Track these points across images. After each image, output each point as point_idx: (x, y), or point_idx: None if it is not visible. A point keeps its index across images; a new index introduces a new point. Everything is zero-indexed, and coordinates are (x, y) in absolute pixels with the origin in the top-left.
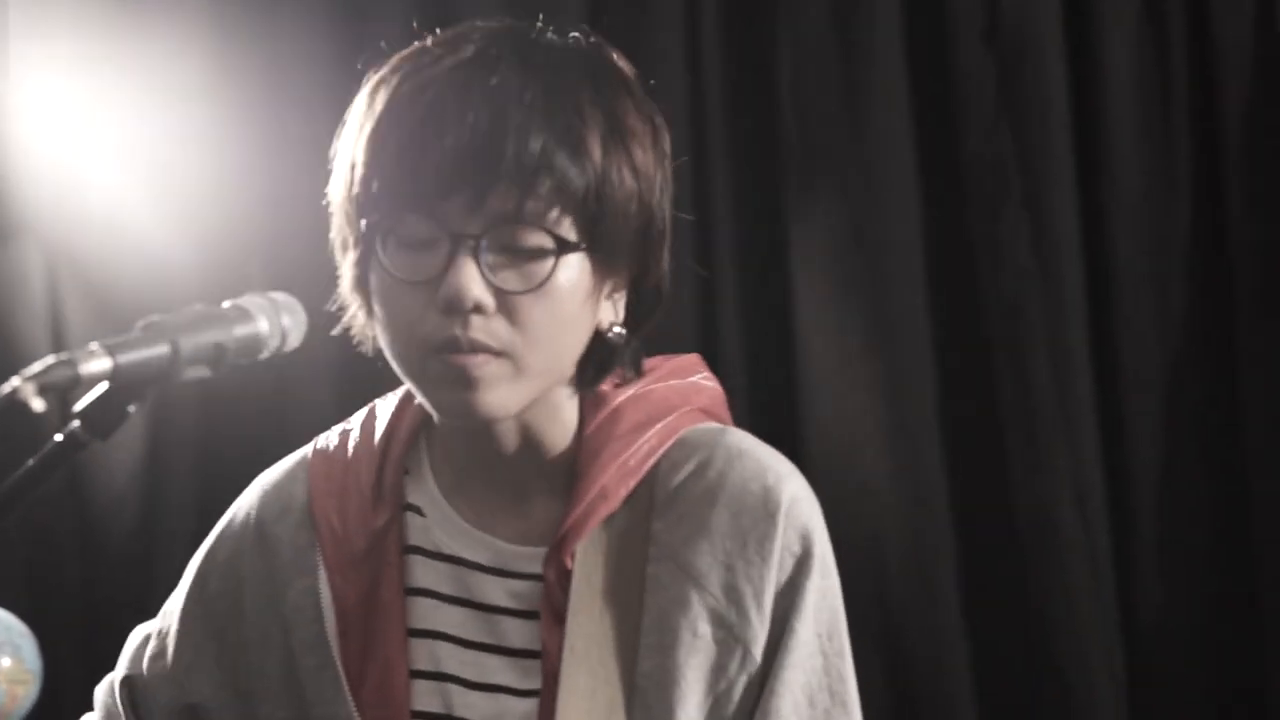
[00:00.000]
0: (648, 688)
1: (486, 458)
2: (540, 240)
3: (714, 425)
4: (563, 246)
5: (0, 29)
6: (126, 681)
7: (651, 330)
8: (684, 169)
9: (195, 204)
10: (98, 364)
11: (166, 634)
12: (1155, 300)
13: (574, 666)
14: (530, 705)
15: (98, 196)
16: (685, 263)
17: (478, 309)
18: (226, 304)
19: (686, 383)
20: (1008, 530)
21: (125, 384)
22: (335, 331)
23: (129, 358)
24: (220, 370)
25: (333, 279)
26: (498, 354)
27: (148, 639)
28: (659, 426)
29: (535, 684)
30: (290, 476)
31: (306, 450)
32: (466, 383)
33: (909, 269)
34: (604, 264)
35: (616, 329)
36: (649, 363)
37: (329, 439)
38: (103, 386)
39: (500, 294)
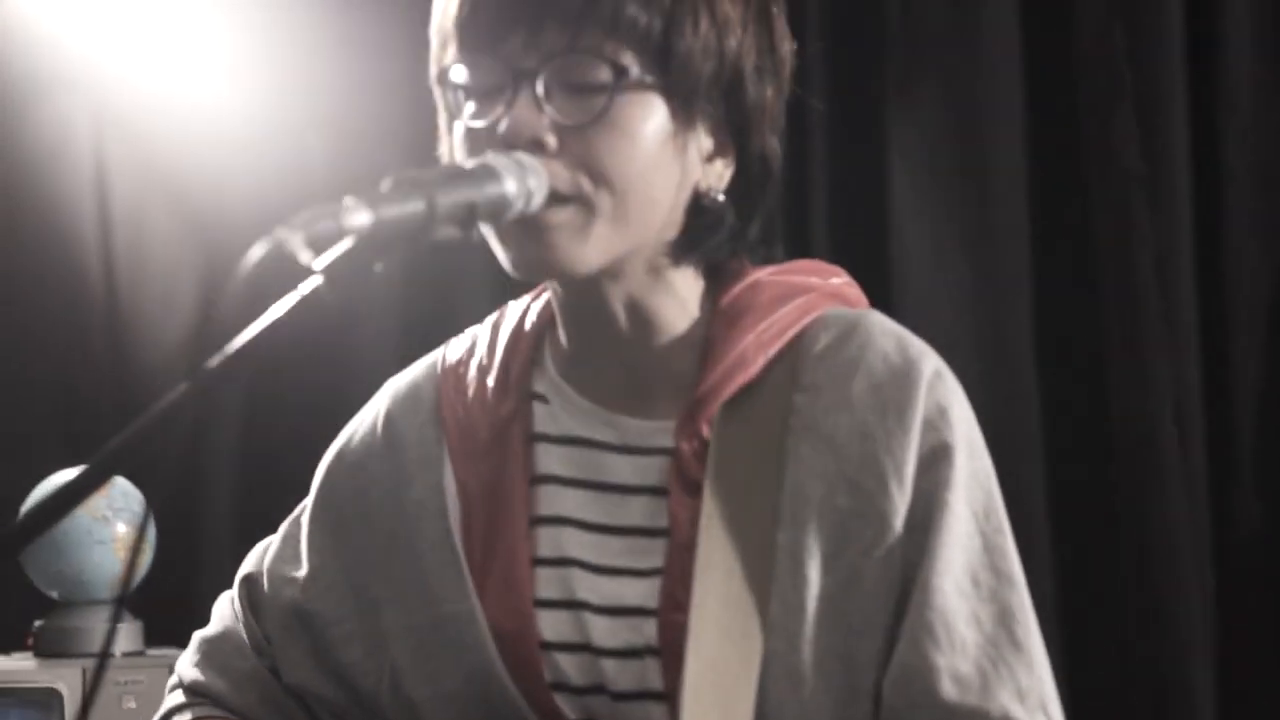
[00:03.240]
0: (784, 560)
1: (605, 338)
2: (599, 71)
3: (856, 309)
4: (621, 75)
5: None
6: (246, 580)
7: (758, 211)
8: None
9: (250, 64)
10: (359, 217)
11: (294, 537)
12: (1265, 212)
13: (711, 539)
14: (650, 585)
15: (146, 50)
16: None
17: (537, 145)
18: (471, 163)
19: (827, 278)
20: (1102, 443)
21: (377, 241)
22: None
23: (389, 213)
24: (468, 233)
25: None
26: (565, 199)
27: (270, 544)
28: (799, 301)
29: (656, 563)
30: (420, 377)
31: (438, 353)
32: (534, 233)
33: (1012, 168)
34: (682, 111)
35: (715, 194)
36: (798, 262)
37: (460, 340)
38: (346, 242)
39: (561, 130)
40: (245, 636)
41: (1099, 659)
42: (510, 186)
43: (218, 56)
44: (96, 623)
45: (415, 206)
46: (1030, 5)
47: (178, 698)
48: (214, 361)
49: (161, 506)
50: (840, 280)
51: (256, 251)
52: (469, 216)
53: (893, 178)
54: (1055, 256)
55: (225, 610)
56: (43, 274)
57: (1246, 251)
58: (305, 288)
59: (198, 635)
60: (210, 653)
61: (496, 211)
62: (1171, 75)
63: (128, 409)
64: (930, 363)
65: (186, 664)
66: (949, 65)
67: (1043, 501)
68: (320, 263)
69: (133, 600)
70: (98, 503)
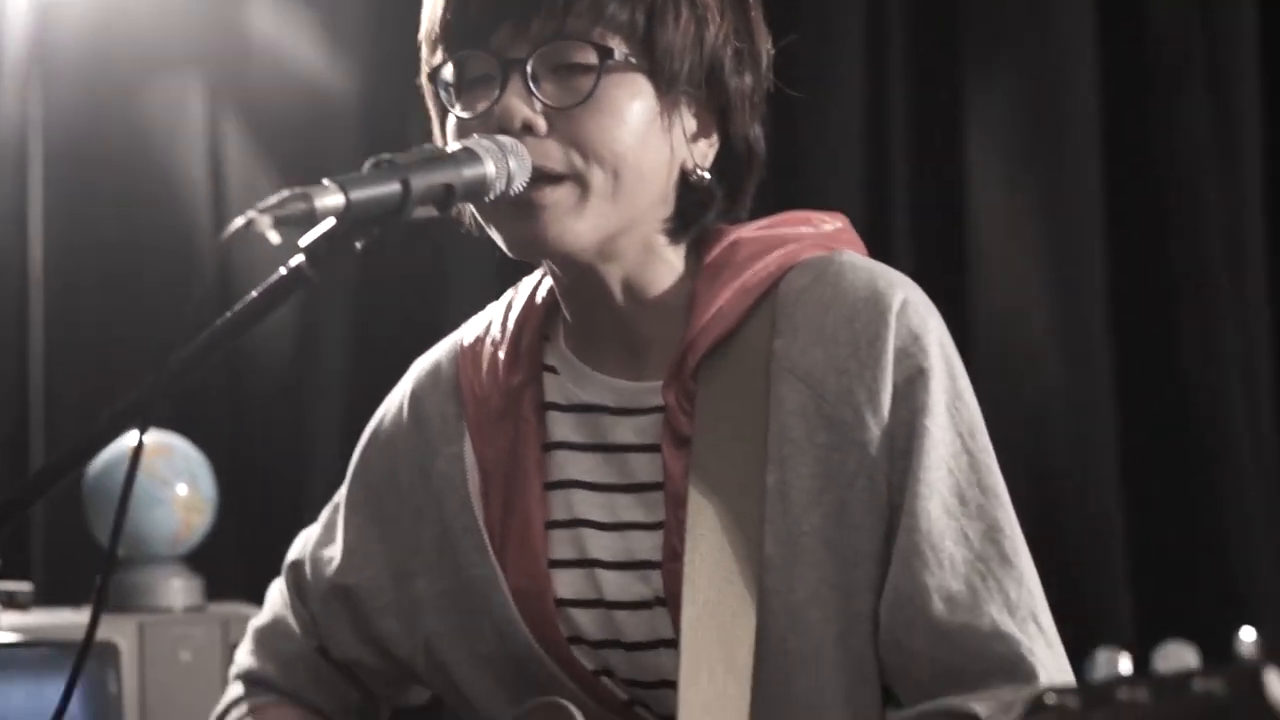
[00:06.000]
0: (774, 501)
1: (603, 312)
2: (585, 54)
3: (835, 251)
4: (605, 56)
5: None
6: (292, 567)
7: (745, 192)
8: (858, 30)
9: (360, 40)
10: (331, 199)
11: (333, 522)
12: None
13: (701, 489)
14: (655, 538)
15: (261, 29)
16: (853, 130)
17: (528, 128)
18: (453, 146)
19: (816, 227)
20: (1174, 409)
21: (355, 221)
22: None
23: (361, 194)
24: (447, 211)
25: None
26: (558, 178)
27: (312, 530)
28: (779, 253)
29: (661, 516)
30: (442, 355)
31: (459, 331)
32: (531, 213)
33: (1085, 143)
34: (667, 93)
35: (701, 172)
36: (788, 214)
37: (478, 318)
38: (329, 222)
39: (551, 112)
40: (293, 620)
41: (1174, 630)
42: (490, 168)
43: (338, 32)
44: (154, 579)
45: (390, 188)
46: None
47: (237, 688)
48: (188, 347)
49: (222, 466)
50: (833, 226)
51: (227, 232)
52: (446, 197)
53: (970, 158)
54: (1128, 229)
55: (275, 598)
56: (157, 252)
57: None
58: (288, 266)
59: (252, 624)
60: (262, 640)
61: (476, 191)
62: (1244, 51)
63: (237, 390)
64: (900, 292)
65: (243, 652)
66: (1022, 42)
67: (1115, 477)
68: (303, 242)
69: (194, 557)
70: (157, 465)
